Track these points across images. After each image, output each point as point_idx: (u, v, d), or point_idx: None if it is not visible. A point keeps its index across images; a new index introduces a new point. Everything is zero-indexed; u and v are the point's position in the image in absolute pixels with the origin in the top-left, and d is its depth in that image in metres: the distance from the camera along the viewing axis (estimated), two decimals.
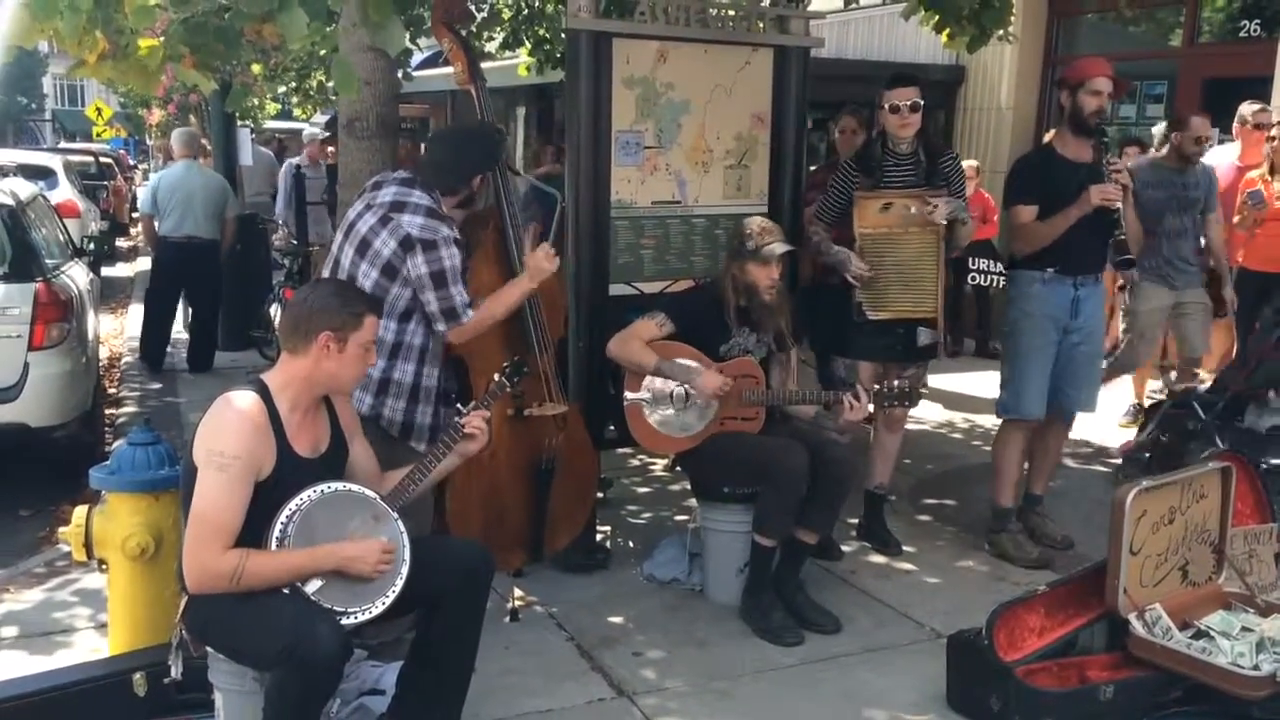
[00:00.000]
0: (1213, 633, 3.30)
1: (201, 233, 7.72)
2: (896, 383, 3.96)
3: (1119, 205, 4.18)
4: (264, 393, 2.68)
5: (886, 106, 4.30)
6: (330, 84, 10.91)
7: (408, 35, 6.05)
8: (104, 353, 8.40)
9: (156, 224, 7.76)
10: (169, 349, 8.21)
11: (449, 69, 3.94)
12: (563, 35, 6.36)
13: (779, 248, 3.88)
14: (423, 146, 6.83)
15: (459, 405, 3.14)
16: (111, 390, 7.67)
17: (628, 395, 3.91)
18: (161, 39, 3.64)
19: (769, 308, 3.94)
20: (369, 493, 2.78)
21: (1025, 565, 4.41)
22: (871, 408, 3.90)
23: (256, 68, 9.77)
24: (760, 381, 3.96)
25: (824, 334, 4.65)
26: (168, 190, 7.72)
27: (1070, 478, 5.59)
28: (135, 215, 8.00)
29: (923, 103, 4.31)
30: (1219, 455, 3.67)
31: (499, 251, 3.74)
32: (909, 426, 6.38)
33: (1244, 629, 3.32)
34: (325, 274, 3.58)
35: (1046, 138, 4.51)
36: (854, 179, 4.34)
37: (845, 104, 5.58)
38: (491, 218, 3.80)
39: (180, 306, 8.31)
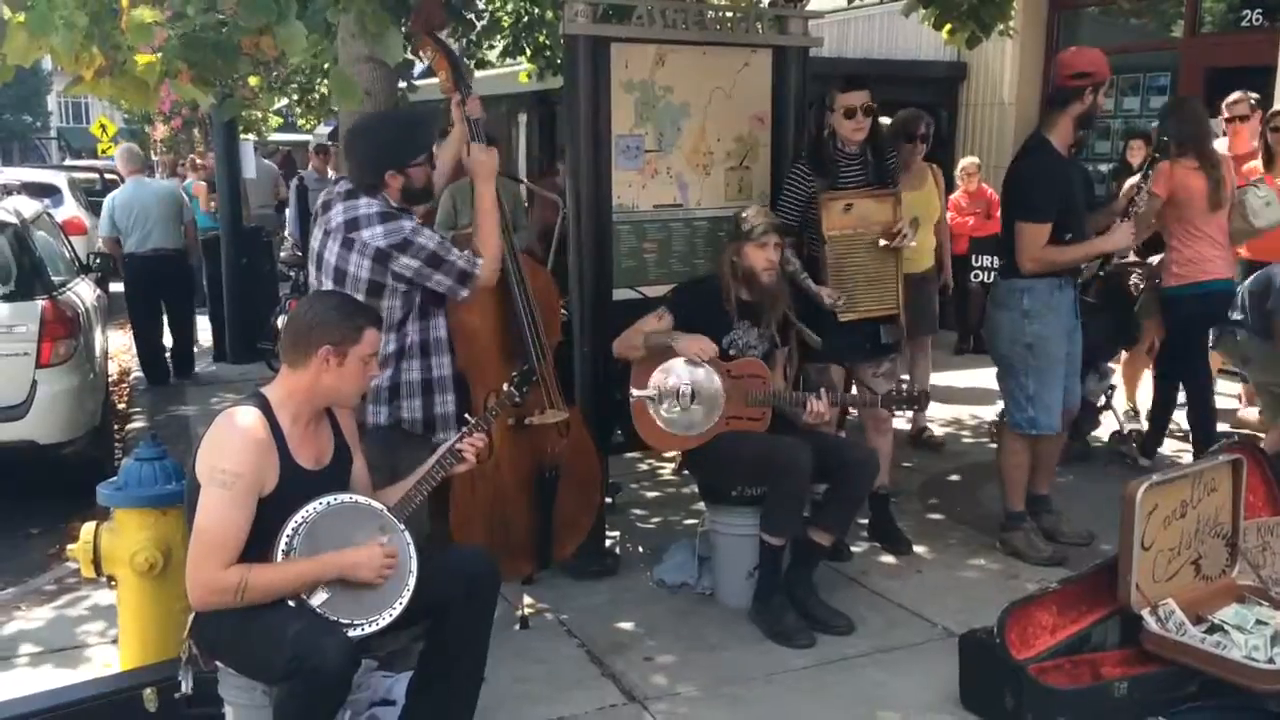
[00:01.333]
0: (1227, 626, 3.28)
1: (166, 244, 7.95)
2: (904, 387, 3.96)
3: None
4: (264, 407, 2.68)
5: (841, 110, 4.23)
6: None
7: (407, 47, 6.06)
8: (113, 368, 8.42)
9: (122, 244, 7.93)
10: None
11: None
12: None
13: (774, 234, 3.90)
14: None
15: (466, 415, 3.14)
16: (121, 406, 7.70)
17: (633, 392, 3.90)
18: (158, 55, 3.64)
19: (769, 292, 3.93)
20: (375, 504, 2.77)
21: (1038, 563, 4.38)
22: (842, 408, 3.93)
23: (254, 80, 9.80)
24: (767, 381, 3.95)
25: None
26: (124, 209, 7.92)
27: (1082, 475, 5.56)
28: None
29: (874, 106, 4.28)
30: (1230, 448, 3.65)
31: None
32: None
33: (1258, 622, 3.29)
34: None
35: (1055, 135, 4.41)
36: (808, 180, 4.29)
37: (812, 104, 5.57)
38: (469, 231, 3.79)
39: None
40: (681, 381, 3.88)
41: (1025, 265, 4.26)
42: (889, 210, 4.32)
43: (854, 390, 4.61)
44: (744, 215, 3.97)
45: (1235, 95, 6.11)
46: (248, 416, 2.64)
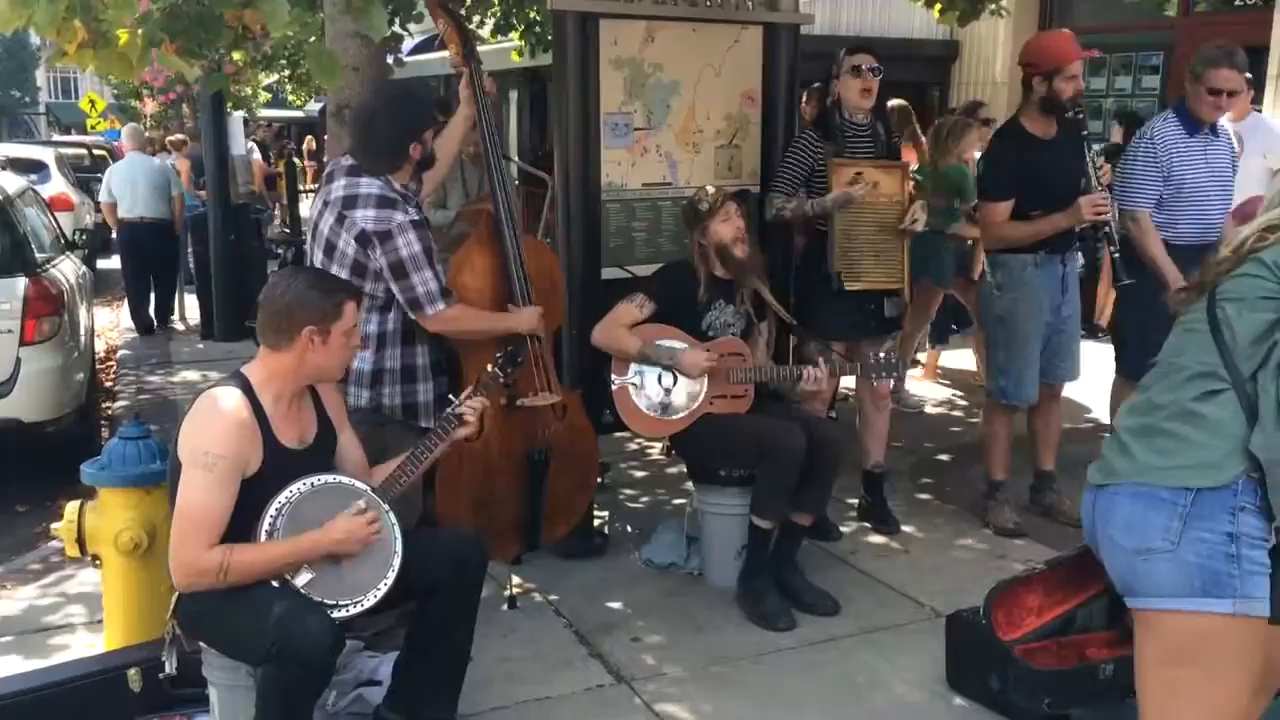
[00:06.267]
0: None
1: (151, 213, 8.98)
2: (883, 355, 3.94)
3: (1109, 215, 4.09)
4: (246, 388, 2.66)
5: (849, 68, 4.22)
6: None
7: (397, 20, 6.01)
8: (99, 346, 8.38)
9: (116, 210, 8.99)
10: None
11: (442, 53, 3.88)
12: None
13: (732, 202, 3.86)
14: None
15: (450, 396, 3.11)
16: (107, 384, 7.66)
17: (614, 379, 3.88)
18: (140, 28, 3.59)
19: (744, 265, 3.89)
20: (359, 484, 2.75)
21: (999, 533, 4.48)
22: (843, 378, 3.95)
23: (239, 55, 9.75)
24: (747, 359, 3.93)
25: (799, 315, 4.61)
26: (118, 179, 9.06)
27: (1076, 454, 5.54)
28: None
29: (881, 71, 4.25)
30: None
31: (492, 237, 3.69)
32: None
33: None
34: None
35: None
36: (815, 147, 4.26)
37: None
38: (485, 205, 3.76)
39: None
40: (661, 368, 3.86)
41: (985, 240, 4.59)
42: (897, 182, 4.30)
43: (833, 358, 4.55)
44: (697, 197, 3.91)
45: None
46: (229, 398, 2.61)
